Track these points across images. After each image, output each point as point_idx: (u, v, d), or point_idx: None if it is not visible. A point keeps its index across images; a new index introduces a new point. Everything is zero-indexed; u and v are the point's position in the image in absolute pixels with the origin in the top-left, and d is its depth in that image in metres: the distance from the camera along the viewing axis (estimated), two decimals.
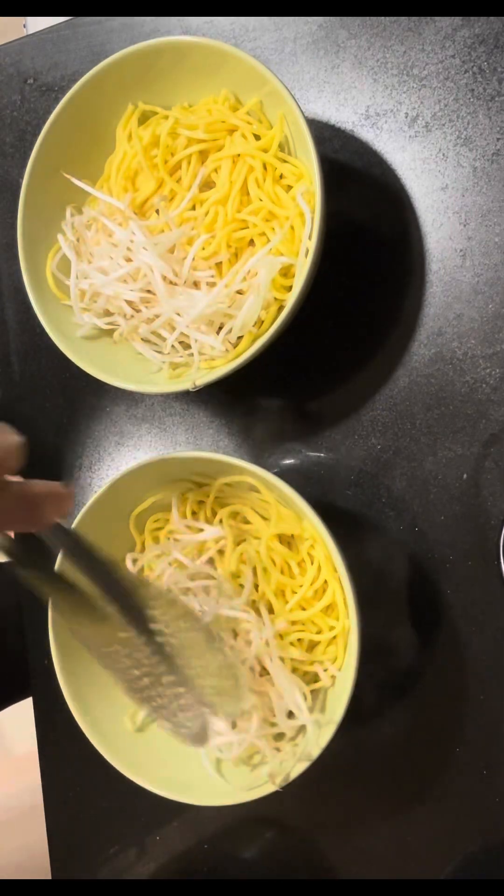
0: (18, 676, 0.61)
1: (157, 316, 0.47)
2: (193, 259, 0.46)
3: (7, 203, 0.61)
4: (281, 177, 0.46)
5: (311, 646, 0.46)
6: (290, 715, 0.45)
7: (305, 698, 0.44)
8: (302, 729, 0.45)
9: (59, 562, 0.45)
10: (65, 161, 0.49)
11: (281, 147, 0.46)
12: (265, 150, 0.45)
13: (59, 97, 0.47)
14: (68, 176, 0.49)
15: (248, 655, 0.44)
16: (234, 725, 0.46)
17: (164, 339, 0.48)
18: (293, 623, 0.45)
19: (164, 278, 0.46)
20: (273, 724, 0.45)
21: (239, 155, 0.45)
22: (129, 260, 0.47)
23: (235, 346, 0.46)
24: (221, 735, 0.46)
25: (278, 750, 0.45)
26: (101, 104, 0.48)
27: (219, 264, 0.46)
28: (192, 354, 0.47)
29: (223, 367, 0.45)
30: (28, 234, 0.49)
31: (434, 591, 0.48)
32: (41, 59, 0.60)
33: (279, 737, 0.46)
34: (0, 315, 0.61)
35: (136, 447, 0.57)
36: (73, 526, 0.47)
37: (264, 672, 0.45)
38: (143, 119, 0.50)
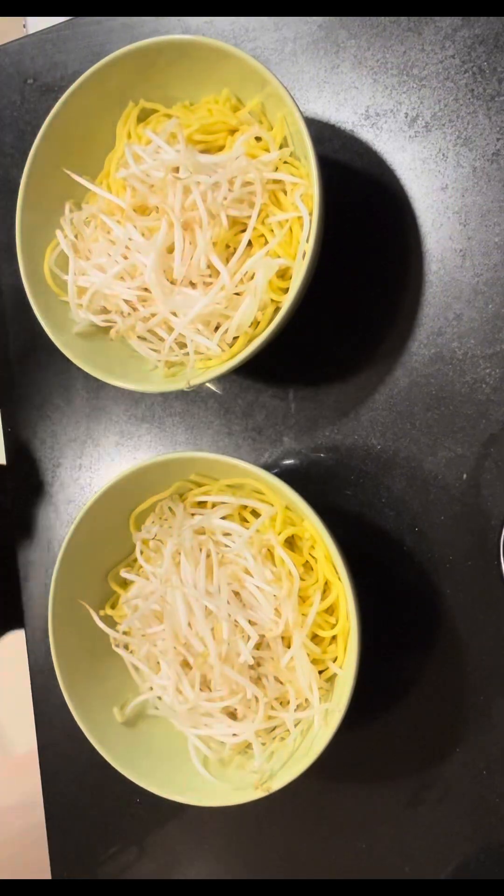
0: (10, 606, 0.61)
1: (154, 315, 0.47)
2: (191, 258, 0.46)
3: (7, 203, 0.61)
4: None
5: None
6: (297, 707, 0.45)
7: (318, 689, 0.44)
8: (299, 725, 0.45)
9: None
10: (65, 157, 0.49)
11: (280, 148, 0.46)
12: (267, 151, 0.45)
13: (59, 97, 0.47)
14: (68, 172, 0.49)
15: (276, 631, 0.44)
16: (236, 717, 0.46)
17: (160, 338, 0.48)
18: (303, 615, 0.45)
19: (161, 276, 0.46)
20: (271, 718, 0.45)
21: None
22: (126, 258, 0.47)
23: (231, 346, 0.46)
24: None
25: (265, 745, 0.45)
26: (101, 101, 0.48)
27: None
28: (188, 354, 0.47)
29: (218, 368, 0.45)
30: (27, 230, 0.49)
31: (434, 591, 0.48)
32: (41, 59, 0.60)
33: (271, 731, 0.46)
34: (0, 315, 0.61)
35: (135, 447, 0.57)
36: (74, 527, 0.47)
37: (269, 663, 0.45)
38: (144, 116, 0.50)
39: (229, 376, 0.54)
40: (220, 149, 0.47)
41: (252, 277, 0.45)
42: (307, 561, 0.46)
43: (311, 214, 0.43)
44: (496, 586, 0.47)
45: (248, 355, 0.44)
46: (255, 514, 0.47)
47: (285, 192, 0.45)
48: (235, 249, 0.45)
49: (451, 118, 0.48)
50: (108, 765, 0.46)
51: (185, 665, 0.47)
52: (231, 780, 0.46)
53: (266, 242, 0.45)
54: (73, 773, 0.59)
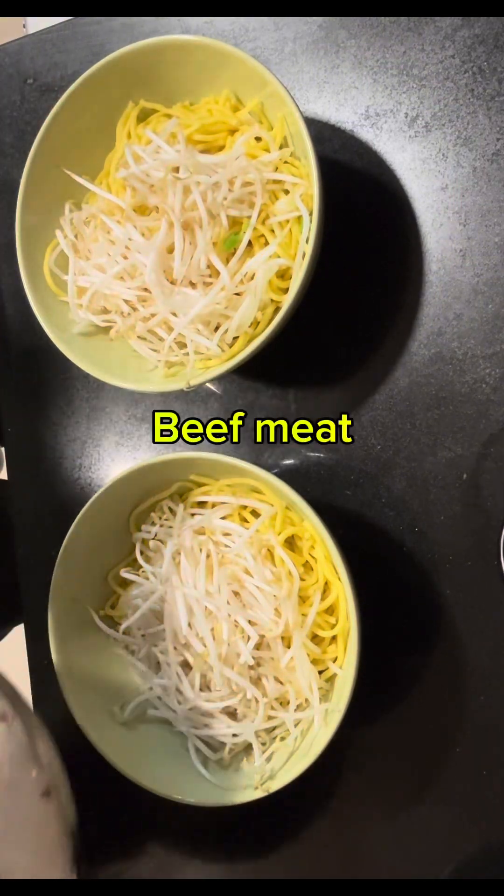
0: (10, 606, 0.61)
1: (154, 315, 0.47)
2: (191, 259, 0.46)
3: (7, 203, 0.61)
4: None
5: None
6: (297, 707, 0.45)
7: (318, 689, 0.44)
8: (299, 725, 0.45)
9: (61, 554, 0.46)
10: (65, 157, 0.49)
11: (280, 148, 0.46)
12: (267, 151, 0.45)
13: (59, 97, 0.47)
14: (68, 172, 0.49)
15: (276, 631, 0.44)
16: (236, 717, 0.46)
17: (160, 338, 0.48)
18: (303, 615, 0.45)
19: (161, 276, 0.46)
20: (271, 718, 0.45)
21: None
22: (126, 258, 0.47)
23: (231, 346, 0.46)
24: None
25: (265, 745, 0.45)
26: (102, 100, 0.48)
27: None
28: (187, 354, 0.47)
29: (218, 368, 0.45)
30: (27, 229, 0.49)
31: (434, 591, 0.48)
32: (41, 59, 0.60)
33: (271, 731, 0.46)
34: (0, 316, 0.61)
35: (135, 447, 0.57)
36: (74, 527, 0.47)
37: (269, 662, 0.45)
38: (144, 116, 0.50)
39: (229, 376, 0.54)
40: (220, 149, 0.47)
41: (252, 278, 0.45)
42: (307, 561, 0.46)
43: (311, 214, 0.43)
44: (496, 586, 0.47)
45: (248, 355, 0.44)
46: (255, 514, 0.47)
47: (286, 192, 0.45)
48: (235, 250, 0.45)
49: (451, 118, 0.48)
50: (108, 765, 0.46)
51: (185, 665, 0.47)
52: (231, 780, 0.46)
53: (266, 242, 0.45)
54: (74, 773, 0.59)
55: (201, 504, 0.49)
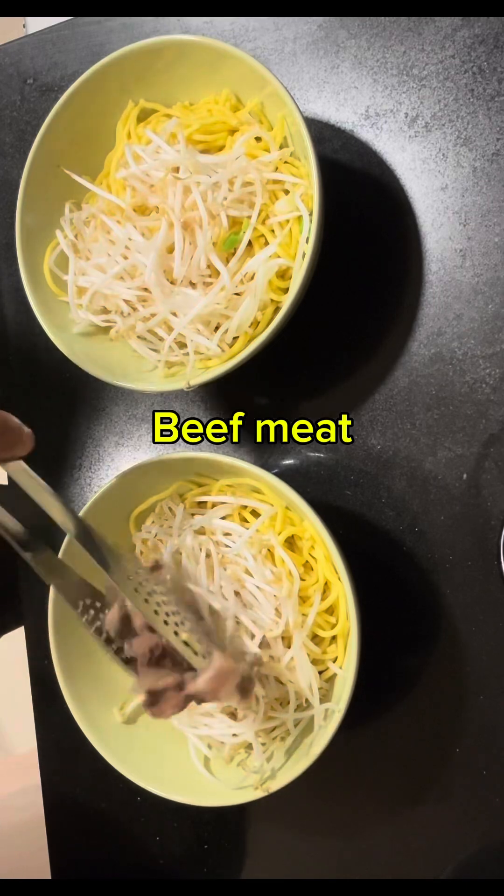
0: (10, 605, 0.61)
1: (154, 315, 0.47)
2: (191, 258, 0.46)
3: (7, 203, 0.61)
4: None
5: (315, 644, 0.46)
6: (297, 707, 0.45)
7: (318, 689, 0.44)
8: (299, 725, 0.45)
9: (63, 549, 0.47)
10: (65, 157, 0.49)
11: (280, 148, 0.46)
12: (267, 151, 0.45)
13: (59, 97, 0.48)
14: (68, 171, 0.49)
15: (276, 631, 0.44)
16: (234, 716, 0.46)
17: (160, 338, 0.48)
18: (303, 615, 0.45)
19: (161, 276, 0.46)
20: (271, 718, 0.45)
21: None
22: (126, 258, 0.47)
23: (231, 346, 0.46)
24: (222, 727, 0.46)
25: (265, 745, 0.45)
26: (102, 100, 0.48)
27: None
28: (187, 354, 0.47)
29: (218, 368, 0.45)
30: (27, 229, 0.49)
31: (434, 591, 0.48)
32: (41, 59, 0.60)
33: (271, 731, 0.46)
34: (0, 316, 0.61)
35: (135, 447, 0.57)
36: None
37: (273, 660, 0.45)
38: (144, 116, 0.50)
39: (229, 376, 0.54)
40: (220, 149, 0.47)
41: (252, 278, 0.45)
42: (307, 561, 0.46)
43: (311, 214, 0.43)
44: (496, 586, 0.47)
45: (248, 355, 0.44)
46: (255, 514, 0.47)
47: (286, 192, 0.45)
48: (235, 250, 0.45)
49: (451, 118, 0.48)
50: (108, 765, 0.46)
51: None
52: (231, 780, 0.46)
53: (266, 242, 0.45)
54: (73, 773, 0.59)
55: (201, 504, 0.49)
